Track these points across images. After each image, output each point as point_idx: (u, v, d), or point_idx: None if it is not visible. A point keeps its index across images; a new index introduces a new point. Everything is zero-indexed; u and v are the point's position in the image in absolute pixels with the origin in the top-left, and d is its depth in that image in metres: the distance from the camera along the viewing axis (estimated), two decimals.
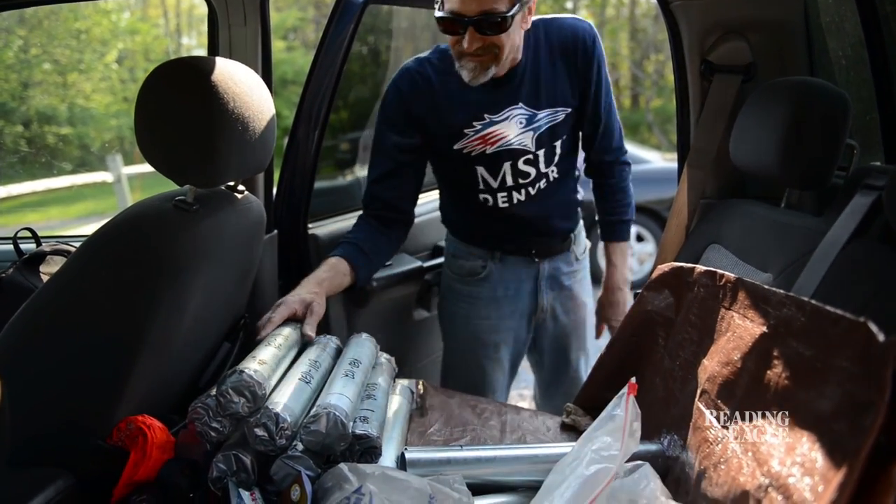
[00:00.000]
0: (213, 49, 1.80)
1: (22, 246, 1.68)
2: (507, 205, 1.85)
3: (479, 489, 1.18)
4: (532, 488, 1.16)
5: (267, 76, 1.79)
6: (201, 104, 1.16)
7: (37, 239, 1.70)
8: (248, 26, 1.76)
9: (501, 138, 1.78)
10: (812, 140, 1.37)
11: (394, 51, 3.28)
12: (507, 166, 1.80)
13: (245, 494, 1.07)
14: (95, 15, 8.18)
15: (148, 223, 1.18)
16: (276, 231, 1.94)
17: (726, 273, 1.19)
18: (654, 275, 1.41)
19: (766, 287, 1.07)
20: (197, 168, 1.19)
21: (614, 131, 1.93)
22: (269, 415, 1.10)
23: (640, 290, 1.42)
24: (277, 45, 10.53)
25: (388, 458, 1.23)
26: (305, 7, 11.87)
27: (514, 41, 1.68)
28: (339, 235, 2.18)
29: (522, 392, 3.87)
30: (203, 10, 1.82)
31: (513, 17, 1.60)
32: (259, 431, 1.10)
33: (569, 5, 12.97)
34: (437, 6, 1.65)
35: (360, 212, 2.30)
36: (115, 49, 8.72)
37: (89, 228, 1.20)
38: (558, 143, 1.83)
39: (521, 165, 1.81)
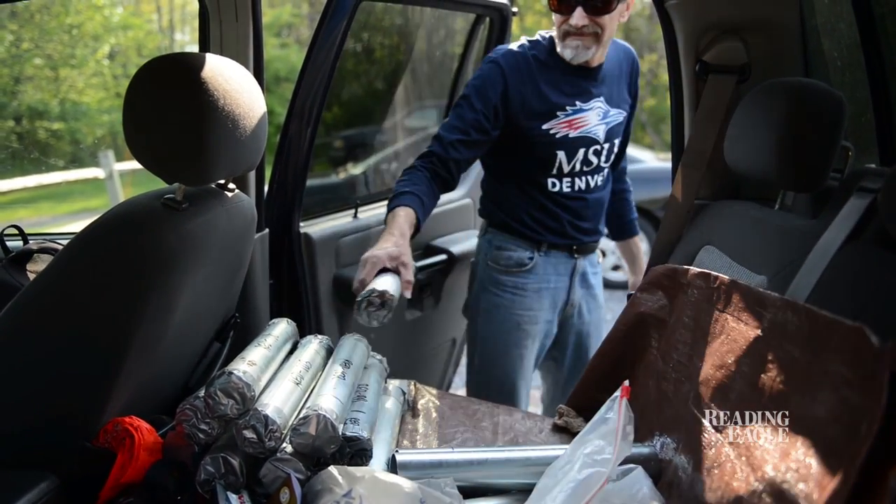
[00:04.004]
0: (205, 45, 1.78)
1: (9, 243, 1.66)
2: (569, 190, 2.00)
3: (470, 492, 1.17)
4: (524, 491, 1.15)
5: (258, 73, 1.78)
6: (190, 101, 1.14)
7: (24, 236, 1.68)
8: (240, 22, 1.74)
9: (585, 124, 1.96)
10: (807, 142, 1.36)
11: (388, 48, 3.27)
12: (581, 152, 1.97)
13: (233, 497, 1.06)
14: (88, 10, 8.14)
15: (136, 222, 1.17)
16: (267, 230, 1.92)
17: (720, 275, 1.19)
18: (648, 276, 1.40)
19: (761, 290, 1.06)
20: (186, 166, 1.17)
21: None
22: (258, 417, 1.09)
23: (633, 292, 1.41)
24: (271, 42, 10.49)
25: (378, 459, 1.22)
26: (299, 4, 11.82)
27: (613, 28, 1.89)
28: (331, 234, 2.17)
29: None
30: (196, 5, 1.81)
31: (618, 1, 1.83)
32: (248, 434, 1.09)
33: None
34: None
35: (352, 210, 2.30)
36: (107, 44, 8.66)
37: (80, 225, 1.18)
38: (616, 142, 2.06)
39: (590, 154, 1.99)
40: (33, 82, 7.33)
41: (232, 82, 1.21)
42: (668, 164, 1.94)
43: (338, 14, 1.98)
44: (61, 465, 1.11)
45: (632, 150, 6.71)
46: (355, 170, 3.63)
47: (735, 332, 1.08)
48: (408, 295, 1.59)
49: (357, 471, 1.05)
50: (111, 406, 1.17)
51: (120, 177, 6.12)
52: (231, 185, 1.43)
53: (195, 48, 1.87)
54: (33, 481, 1.06)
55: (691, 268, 1.29)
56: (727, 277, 1.17)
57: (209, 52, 1.75)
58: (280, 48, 10.94)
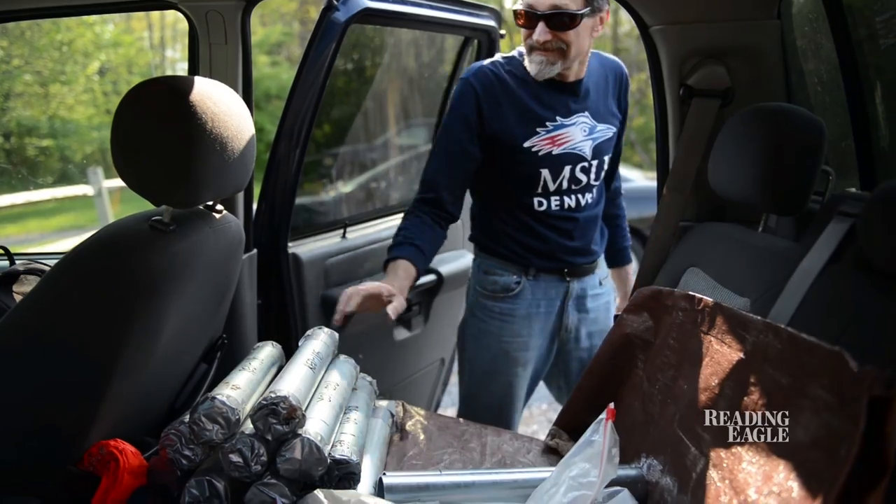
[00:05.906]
0: (194, 67, 1.79)
1: None
2: (558, 209, 1.94)
3: None
4: None
5: (247, 95, 1.79)
6: (178, 125, 1.15)
7: (10, 257, 1.67)
8: (229, 45, 1.75)
9: (568, 140, 1.90)
10: (788, 167, 1.39)
11: (379, 67, 3.29)
12: (567, 170, 1.91)
13: None
14: (78, 27, 8.13)
15: (123, 244, 1.17)
16: (255, 250, 1.92)
17: (705, 297, 1.20)
18: (634, 298, 1.41)
19: (744, 313, 1.08)
20: (174, 189, 1.18)
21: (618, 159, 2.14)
22: (244, 440, 1.09)
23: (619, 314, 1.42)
24: (262, 59, 10.51)
25: (366, 482, 1.22)
26: (291, 22, 11.86)
27: (582, 43, 1.82)
28: (320, 254, 2.17)
29: (531, 408, 3.79)
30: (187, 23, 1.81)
31: (581, 16, 1.76)
32: (234, 458, 1.09)
33: None
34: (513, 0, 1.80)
35: (340, 230, 2.30)
36: (97, 61, 8.66)
37: (68, 243, 1.18)
38: (606, 159, 1.99)
39: (577, 172, 1.92)
40: (23, 99, 7.31)
41: (220, 105, 1.22)
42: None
43: (327, 36, 1.99)
44: (45, 489, 1.10)
45: (621, 169, 6.76)
46: (345, 188, 3.64)
47: (719, 354, 1.09)
48: (392, 316, 1.70)
49: (343, 494, 1.05)
50: (97, 428, 1.16)
51: (109, 194, 6.09)
52: (219, 207, 1.44)
53: (186, 65, 1.87)
54: None
55: (676, 290, 1.30)
56: (711, 300, 1.18)
57: (198, 74, 1.76)
58: (271, 66, 10.96)
